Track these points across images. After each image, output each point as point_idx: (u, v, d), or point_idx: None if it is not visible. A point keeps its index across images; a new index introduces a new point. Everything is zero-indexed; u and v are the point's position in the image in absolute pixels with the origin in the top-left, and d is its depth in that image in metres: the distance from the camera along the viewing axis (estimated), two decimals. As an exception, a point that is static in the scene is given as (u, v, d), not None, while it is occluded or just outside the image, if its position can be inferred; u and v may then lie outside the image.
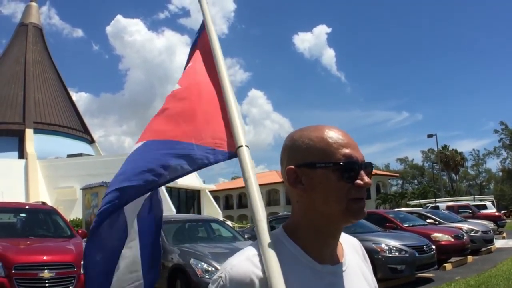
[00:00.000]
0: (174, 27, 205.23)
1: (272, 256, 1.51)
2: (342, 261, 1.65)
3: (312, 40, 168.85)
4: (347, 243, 1.75)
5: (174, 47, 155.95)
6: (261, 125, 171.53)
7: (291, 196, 1.62)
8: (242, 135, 2.05)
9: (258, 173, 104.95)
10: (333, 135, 1.57)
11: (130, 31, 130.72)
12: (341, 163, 1.53)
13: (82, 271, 9.80)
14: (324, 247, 1.60)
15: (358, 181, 1.54)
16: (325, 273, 1.57)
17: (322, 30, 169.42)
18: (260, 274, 1.49)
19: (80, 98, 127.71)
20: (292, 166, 1.56)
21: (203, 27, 2.86)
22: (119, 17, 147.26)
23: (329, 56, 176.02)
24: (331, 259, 1.62)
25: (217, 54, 2.52)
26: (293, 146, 1.60)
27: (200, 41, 2.87)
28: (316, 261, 1.57)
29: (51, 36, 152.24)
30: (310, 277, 1.55)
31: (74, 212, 36.96)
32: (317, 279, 1.55)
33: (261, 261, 1.52)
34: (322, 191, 1.53)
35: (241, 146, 2.00)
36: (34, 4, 64.48)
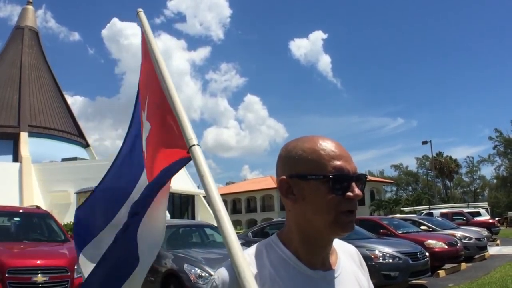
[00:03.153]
0: (170, 31, 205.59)
1: (240, 254, 1.57)
2: (334, 268, 1.66)
3: (308, 46, 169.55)
4: (343, 250, 1.77)
5: (170, 51, 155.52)
6: (257, 130, 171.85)
7: (284, 205, 1.64)
8: (192, 134, 2.13)
9: (253, 178, 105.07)
10: (325, 146, 1.58)
11: (126, 34, 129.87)
12: (330, 176, 1.53)
13: (75, 276, 9.82)
14: (315, 254, 1.61)
15: (349, 193, 1.54)
16: (316, 278, 1.59)
17: (318, 36, 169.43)
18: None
19: (75, 101, 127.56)
20: (284, 177, 1.58)
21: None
22: (115, 20, 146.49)
23: (325, 62, 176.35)
24: (323, 265, 1.63)
25: (156, 55, 2.65)
26: (286, 157, 1.61)
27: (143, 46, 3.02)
28: (307, 266, 1.59)
29: (47, 40, 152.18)
30: (300, 281, 1.56)
31: (68, 216, 36.80)
32: (308, 284, 1.57)
33: (252, 263, 1.57)
34: (312, 202, 1.54)
35: (193, 145, 2.07)
36: (30, 7, 64.41)
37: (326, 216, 1.53)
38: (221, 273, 1.57)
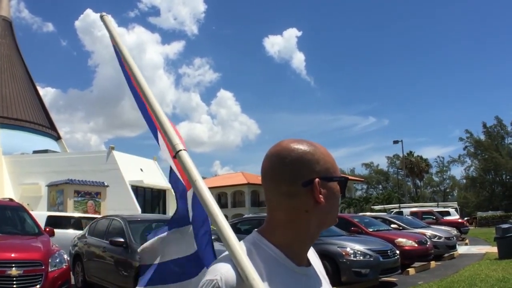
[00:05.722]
0: (144, 24, 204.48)
1: (244, 257, 1.55)
2: (311, 263, 1.74)
3: (282, 43, 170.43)
4: None
5: (144, 45, 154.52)
6: (229, 126, 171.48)
7: (293, 205, 1.62)
8: (178, 140, 2.09)
9: (224, 174, 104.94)
10: (329, 152, 1.70)
11: (99, 25, 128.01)
12: (346, 177, 1.68)
13: (49, 269, 9.80)
14: (305, 250, 1.69)
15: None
16: (301, 274, 1.64)
17: (292, 34, 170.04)
18: None
19: (46, 93, 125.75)
20: (318, 178, 1.61)
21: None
22: (88, 11, 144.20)
23: (299, 60, 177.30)
24: (305, 261, 1.70)
25: (129, 62, 2.57)
26: (311, 159, 1.63)
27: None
28: (294, 263, 1.63)
29: (20, 30, 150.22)
30: (290, 278, 1.61)
31: (39, 209, 36.50)
32: (296, 279, 1.62)
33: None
34: (331, 201, 1.63)
35: (180, 150, 2.03)
36: (4, -3, 63.73)
37: (336, 213, 1.67)
38: (224, 274, 1.51)
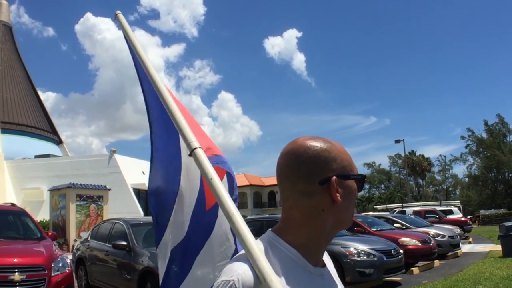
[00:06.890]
0: (144, 27, 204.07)
1: (262, 257, 1.51)
2: (326, 264, 1.71)
3: (283, 44, 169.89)
4: None
5: (144, 48, 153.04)
6: (230, 128, 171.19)
7: (310, 204, 1.60)
8: (193, 137, 2.06)
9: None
10: (345, 149, 1.66)
11: (99, 29, 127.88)
12: (364, 175, 1.65)
13: (53, 274, 9.78)
14: (320, 250, 1.66)
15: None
16: (317, 274, 1.62)
17: (292, 34, 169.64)
18: None
19: (47, 97, 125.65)
20: (335, 176, 1.59)
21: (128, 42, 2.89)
22: (88, 15, 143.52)
23: (299, 60, 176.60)
24: (320, 262, 1.67)
25: (144, 61, 2.63)
26: (327, 157, 1.60)
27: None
28: (310, 264, 1.61)
29: (20, 35, 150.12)
30: (306, 278, 1.58)
31: (41, 214, 36.65)
32: (312, 280, 1.59)
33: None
34: (348, 200, 1.60)
35: (196, 148, 2.00)
36: (4, 2, 63.78)
37: (352, 212, 1.65)
38: (241, 274, 1.47)
